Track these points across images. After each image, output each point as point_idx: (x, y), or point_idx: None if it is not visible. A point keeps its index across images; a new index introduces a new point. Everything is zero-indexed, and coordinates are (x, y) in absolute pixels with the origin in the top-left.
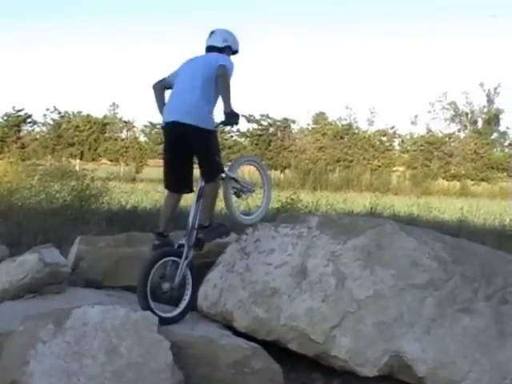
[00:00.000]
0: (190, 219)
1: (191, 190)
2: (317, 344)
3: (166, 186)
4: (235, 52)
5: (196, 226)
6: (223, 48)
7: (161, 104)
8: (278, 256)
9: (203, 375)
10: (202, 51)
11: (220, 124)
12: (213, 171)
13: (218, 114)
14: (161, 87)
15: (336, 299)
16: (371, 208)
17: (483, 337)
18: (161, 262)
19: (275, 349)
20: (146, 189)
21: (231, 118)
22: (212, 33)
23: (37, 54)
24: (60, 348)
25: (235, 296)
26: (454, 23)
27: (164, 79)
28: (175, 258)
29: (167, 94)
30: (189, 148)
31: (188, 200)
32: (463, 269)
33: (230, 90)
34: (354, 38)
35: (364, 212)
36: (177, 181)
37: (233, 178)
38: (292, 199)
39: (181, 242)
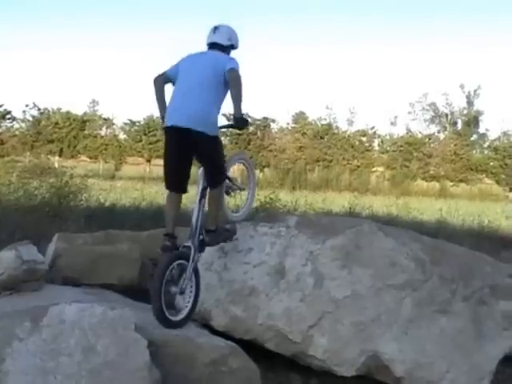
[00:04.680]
0: (193, 220)
1: (186, 191)
2: (294, 343)
3: (168, 187)
4: (235, 48)
5: (199, 226)
6: (226, 46)
7: (161, 99)
8: (256, 255)
9: (180, 374)
10: (190, 50)
11: (227, 126)
12: (219, 177)
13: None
14: (162, 81)
15: (314, 299)
16: (350, 208)
17: (461, 337)
18: (171, 266)
19: (253, 348)
20: (125, 186)
21: (240, 122)
22: (216, 28)
23: (16, 50)
24: (36, 346)
25: (213, 295)
26: (434, 25)
27: (165, 73)
28: (183, 261)
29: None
30: (194, 153)
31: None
32: (441, 270)
33: (242, 95)
34: (335, 39)
35: (343, 212)
36: (178, 181)
37: (227, 177)
38: (271, 198)
39: (186, 243)
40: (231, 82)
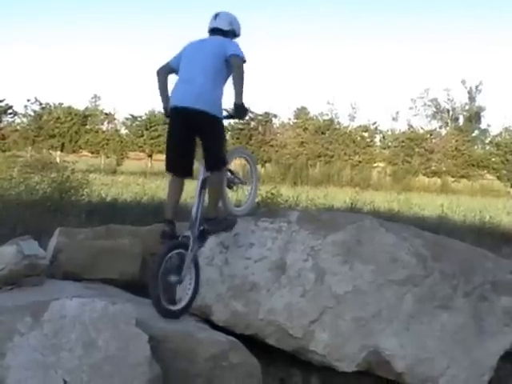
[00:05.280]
0: (194, 210)
1: (191, 175)
2: (295, 339)
3: (169, 169)
4: (237, 36)
5: (199, 217)
6: (227, 31)
7: (164, 91)
8: (257, 250)
9: (181, 369)
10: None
11: (227, 117)
12: (219, 161)
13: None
14: (165, 72)
15: (315, 294)
16: (351, 203)
17: (462, 333)
18: (170, 254)
19: (254, 343)
20: (127, 181)
21: (241, 111)
22: (217, 15)
23: (18, 45)
24: (37, 341)
25: (214, 290)
26: (436, 20)
27: (168, 63)
28: (181, 250)
29: (170, 78)
30: (197, 133)
31: (188, 191)
32: (442, 265)
33: (243, 82)
34: (337, 34)
35: (344, 207)
36: (180, 164)
37: (228, 170)
38: (272, 194)
39: (186, 233)
40: (235, 68)
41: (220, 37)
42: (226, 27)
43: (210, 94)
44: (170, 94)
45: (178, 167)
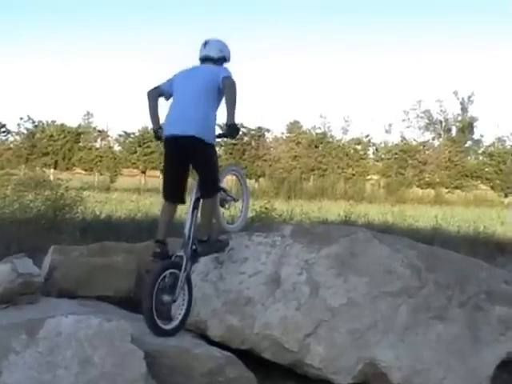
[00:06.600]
0: (186, 230)
1: (184, 202)
2: (291, 352)
3: (165, 197)
4: (227, 61)
5: (192, 236)
6: (218, 59)
7: (154, 112)
8: (251, 265)
9: None
10: (189, 62)
11: (218, 136)
12: (213, 187)
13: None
14: (155, 95)
15: (310, 307)
16: (345, 216)
17: (457, 343)
18: (164, 274)
19: (250, 358)
20: (121, 198)
21: (233, 130)
22: (206, 43)
23: (10, 62)
24: (33, 358)
25: (209, 305)
26: (427, 32)
27: (159, 87)
28: (175, 271)
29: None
30: (190, 160)
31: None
32: (437, 276)
33: (236, 102)
34: (328, 48)
35: (338, 220)
36: (176, 192)
37: (221, 188)
38: (266, 208)
39: (178, 253)
40: (226, 89)
41: (211, 65)
42: (216, 55)
43: (202, 121)
44: (161, 119)
45: (174, 195)
